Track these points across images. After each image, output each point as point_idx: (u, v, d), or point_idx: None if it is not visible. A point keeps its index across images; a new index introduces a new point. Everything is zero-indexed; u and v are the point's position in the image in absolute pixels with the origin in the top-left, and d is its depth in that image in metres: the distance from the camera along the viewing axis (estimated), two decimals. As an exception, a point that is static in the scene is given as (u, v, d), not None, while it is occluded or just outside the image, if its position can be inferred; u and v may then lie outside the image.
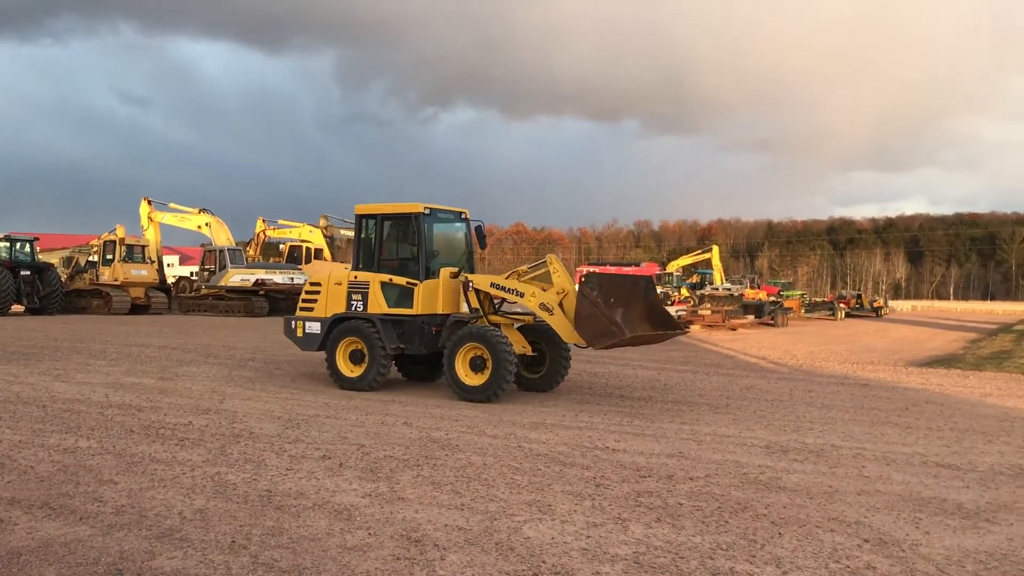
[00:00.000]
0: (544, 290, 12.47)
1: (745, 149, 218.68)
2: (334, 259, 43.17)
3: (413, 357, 13.92)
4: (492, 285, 12.88)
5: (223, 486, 7.31)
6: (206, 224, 38.09)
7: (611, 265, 65.78)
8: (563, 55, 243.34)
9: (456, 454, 8.74)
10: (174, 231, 42.46)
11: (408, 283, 12.94)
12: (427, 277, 12.94)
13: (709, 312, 35.37)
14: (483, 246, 13.92)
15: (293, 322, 14.00)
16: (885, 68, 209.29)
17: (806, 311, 47.82)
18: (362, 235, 13.58)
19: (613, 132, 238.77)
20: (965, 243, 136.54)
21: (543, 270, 12.94)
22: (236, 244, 39.46)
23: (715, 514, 6.74)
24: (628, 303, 12.46)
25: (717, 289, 49.19)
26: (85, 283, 36.36)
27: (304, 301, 13.97)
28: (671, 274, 58.54)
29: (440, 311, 13.05)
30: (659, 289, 50.55)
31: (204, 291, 37.31)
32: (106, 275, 35.66)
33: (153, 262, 37.33)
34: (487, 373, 12.09)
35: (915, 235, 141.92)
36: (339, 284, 13.49)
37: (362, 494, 7.13)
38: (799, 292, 57.67)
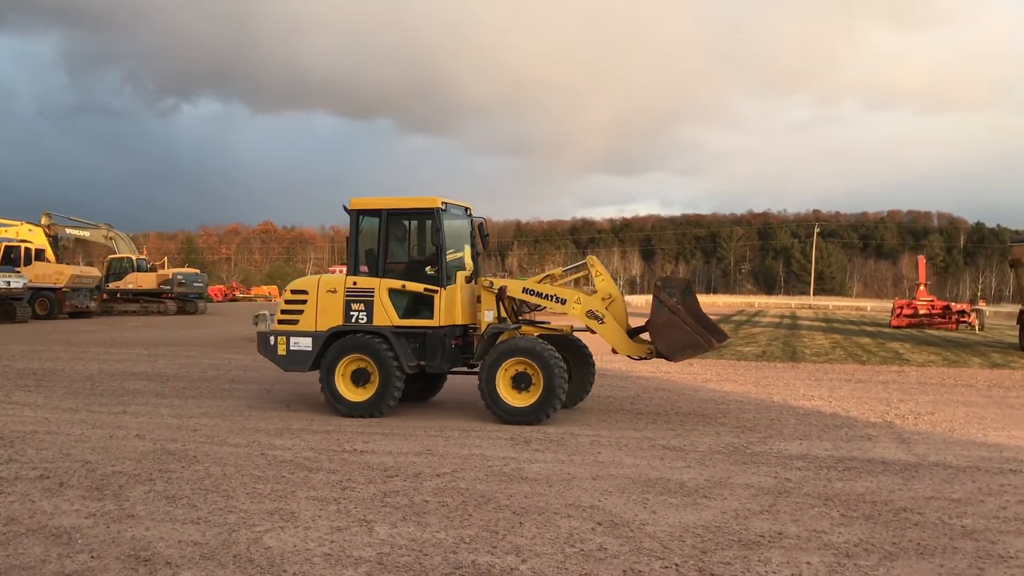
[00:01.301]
0: (587, 296, 11.43)
1: (496, 151, 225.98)
2: (58, 261, 39.62)
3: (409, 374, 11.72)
4: (525, 291, 11.60)
5: (-84, 518, 6.48)
6: (-100, 222, 33.66)
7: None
8: (314, 50, 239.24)
9: (193, 466, 8.29)
10: None
11: (427, 290, 11.18)
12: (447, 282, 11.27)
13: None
14: (485, 246, 12.24)
15: (272, 337, 11.65)
16: (622, 79, 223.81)
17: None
18: (360, 234, 11.62)
19: (366, 130, 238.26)
20: (691, 242, 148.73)
21: (582, 273, 11.94)
22: (-60, 244, 35.20)
23: (459, 508, 6.86)
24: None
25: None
26: None
27: (284, 313, 11.73)
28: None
29: (459, 321, 11.49)
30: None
31: (-101, 298, 32.94)
32: None
33: None
34: (535, 392, 10.68)
35: (648, 235, 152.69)
36: (333, 292, 11.40)
37: (85, 514, 6.58)
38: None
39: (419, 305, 11.28)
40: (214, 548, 5.82)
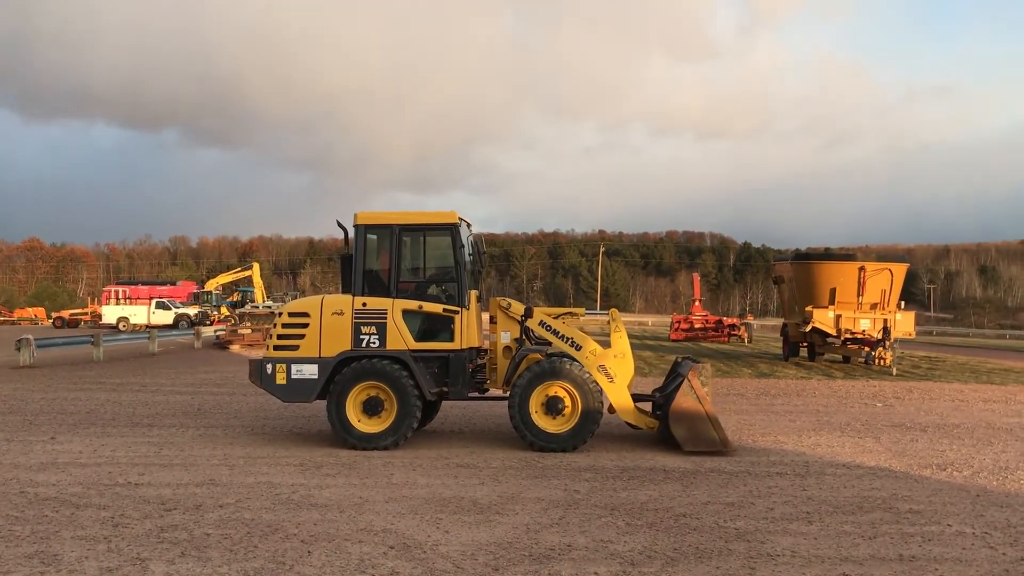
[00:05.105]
0: (602, 349, 10.93)
1: (290, 166, 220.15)
2: None
3: None
4: (541, 324, 11.03)
5: None
6: None
7: (143, 284, 61.62)
8: (96, 55, 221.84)
9: (-63, 509, 7.43)
10: None
11: (446, 311, 10.58)
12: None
13: (250, 331, 34.59)
14: (484, 264, 11.74)
15: (269, 365, 10.57)
16: (423, 98, 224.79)
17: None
18: (366, 251, 10.74)
19: (150, 142, 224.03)
20: (486, 260, 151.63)
21: (576, 318, 11.57)
22: None
23: (244, 540, 6.53)
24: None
25: (258, 307, 48.46)
26: None
27: (282, 338, 10.67)
28: (211, 292, 56.43)
29: (475, 344, 11.07)
30: (197, 309, 48.51)
31: None
32: None
33: None
34: (570, 417, 10.32)
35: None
36: (339, 314, 10.50)
37: None
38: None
39: (437, 327, 10.69)
40: (-41, 602, 5.22)
